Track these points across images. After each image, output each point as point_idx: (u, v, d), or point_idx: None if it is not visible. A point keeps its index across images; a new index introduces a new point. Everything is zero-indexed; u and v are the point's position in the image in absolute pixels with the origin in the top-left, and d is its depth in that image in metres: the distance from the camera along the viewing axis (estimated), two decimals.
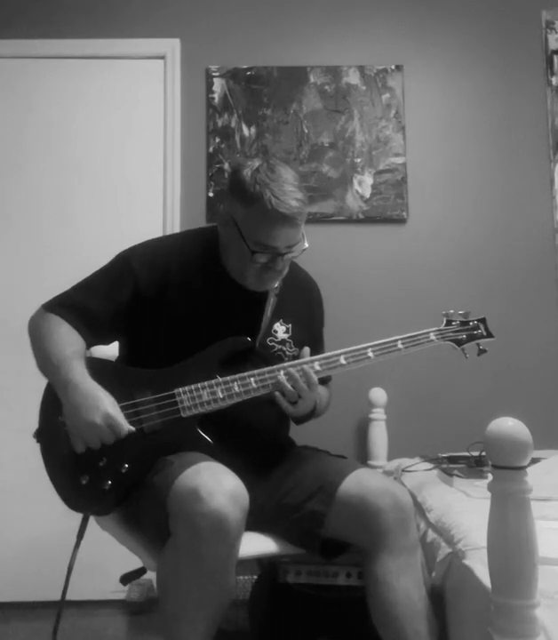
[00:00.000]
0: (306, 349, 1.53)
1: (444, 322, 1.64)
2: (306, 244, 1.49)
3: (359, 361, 1.50)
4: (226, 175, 2.63)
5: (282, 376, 1.44)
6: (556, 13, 2.87)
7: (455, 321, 1.65)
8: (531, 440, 1.03)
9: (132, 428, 1.37)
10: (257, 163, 1.46)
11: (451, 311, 1.66)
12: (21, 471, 2.37)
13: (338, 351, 1.50)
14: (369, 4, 2.86)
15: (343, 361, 1.50)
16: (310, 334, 1.66)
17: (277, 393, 1.45)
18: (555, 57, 2.85)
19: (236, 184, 1.46)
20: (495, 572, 1.06)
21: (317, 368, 1.48)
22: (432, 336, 1.60)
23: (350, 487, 1.42)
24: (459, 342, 1.63)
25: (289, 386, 1.43)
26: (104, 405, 1.35)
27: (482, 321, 1.68)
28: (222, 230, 1.52)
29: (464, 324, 1.65)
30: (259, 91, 2.78)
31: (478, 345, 1.65)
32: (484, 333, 1.66)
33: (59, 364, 1.40)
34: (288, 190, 1.41)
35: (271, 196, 1.40)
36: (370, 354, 1.51)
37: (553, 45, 2.85)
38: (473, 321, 1.67)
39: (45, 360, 1.43)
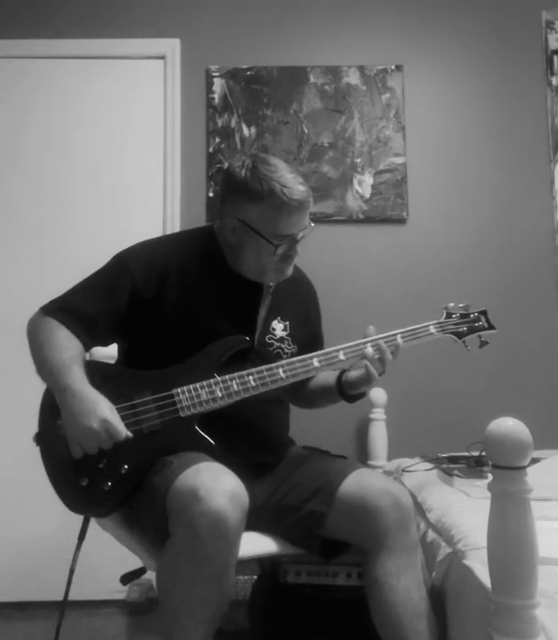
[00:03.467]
0: (372, 328, 1.54)
1: (444, 314, 1.63)
2: (313, 224, 1.51)
3: (358, 356, 1.50)
4: None
5: (369, 348, 1.48)
6: (556, 13, 2.87)
7: (455, 314, 1.63)
8: (531, 440, 1.03)
9: (130, 434, 1.37)
10: (248, 160, 1.46)
11: (451, 304, 1.65)
12: (22, 472, 2.37)
13: (337, 347, 1.51)
14: (369, 3, 2.86)
15: (342, 356, 1.50)
16: (308, 331, 1.67)
17: (368, 363, 1.48)
18: (555, 57, 2.85)
19: (238, 187, 1.45)
20: (495, 572, 1.06)
21: (316, 364, 1.48)
22: (432, 329, 1.59)
23: (350, 487, 1.42)
24: (460, 335, 1.62)
25: (376, 361, 1.48)
26: (102, 410, 1.34)
27: (483, 313, 1.66)
28: (230, 236, 1.50)
29: (464, 316, 1.64)
30: (259, 91, 2.78)
31: (480, 337, 1.63)
32: (485, 325, 1.64)
33: (57, 369, 1.39)
34: (291, 177, 1.43)
35: (281, 187, 1.41)
36: (369, 349, 1.51)
37: (553, 45, 2.85)
38: (473, 313, 1.65)
39: (44, 365, 1.43)
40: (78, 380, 1.38)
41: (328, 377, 1.63)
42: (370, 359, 1.48)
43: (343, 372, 1.58)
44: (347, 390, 1.57)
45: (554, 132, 2.82)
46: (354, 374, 1.55)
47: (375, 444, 2.51)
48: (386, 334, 1.53)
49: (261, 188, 1.41)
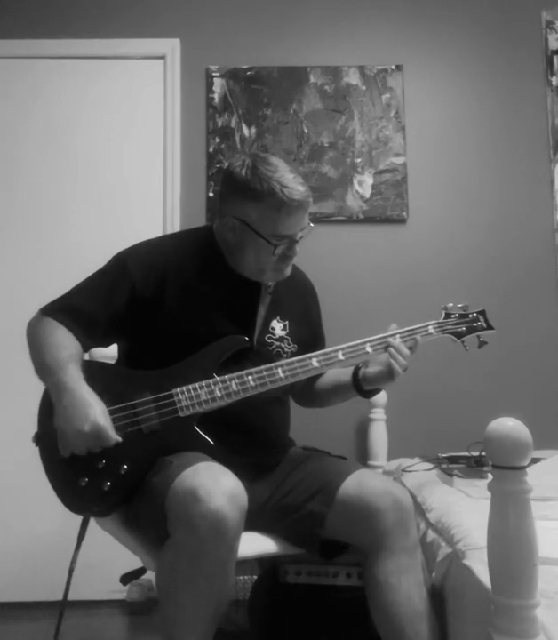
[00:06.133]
0: (394, 325, 1.56)
1: (443, 315, 1.63)
2: (312, 224, 1.51)
3: (357, 356, 1.51)
4: None
5: (391, 347, 1.50)
6: (556, 13, 2.87)
7: (454, 314, 1.64)
8: (531, 440, 1.03)
9: (119, 439, 1.36)
10: (249, 159, 1.46)
11: (450, 304, 1.65)
12: (22, 472, 2.36)
13: (336, 347, 1.51)
14: (369, 4, 2.86)
15: (341, 357, 1.50)
16: (308, 330, 1.67)
17: (392, 361, 1.49)
18: (555, 57, 2.85)
19: (238, 186, 1.45)
20: (495, 572, 1.05)
21: (315, 364, 1.48)
22: (430, 329, 1.59)
23: (350, 488, 1.42)
24: (459, 335, 1.62)
25: (400, 358, 1.49)
26: (93, 414, 1.34)
27: (482, 313, 1.67)
28: (230, 235, 1.50)
29: (463, 316, 1.64)
30: (258, 91, 2.78)
31: (478, 337, 1.64)
32: (484, 325, 1.65)
33: (54, 368, 1.39)
34: (291, 177, 1.43)
35: (281, 187, 1.41)
36: (368, 349, 1.51)
37: (553, 45, 2.85)
38: (472, 313, 1.65)
39: (41, 364, 1.43)
40: (74, 380, 1.37)
41: (340, 373, 1.64)
42: (394, 356, 1.49)
43: (358, 368, 1.59)
44: (365, 386, 1.58)
45: (554, 132, 2.82)
46: (372, 371, 1.56)
47: (375, 444, 2.51)
48: (384, 334, 1.53)
49: (261, 187, 1.41)
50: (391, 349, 1.50)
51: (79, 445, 1.35)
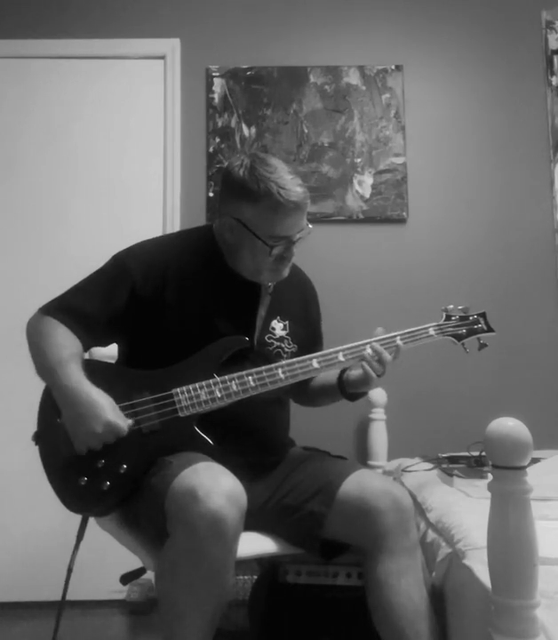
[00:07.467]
0: (380, 329, 1.55)
1: (443, 317, 1.63)
2: (310, 226, 1.51)
3: (357, 357, 1.51)
4: None
5: (368, 350, 1.48)
6: (556, 13, 2.87)
7: (454, 316, 1.64)
8: (531, 440, 1.03)
9: (131, 422, 1.38)
10: (247, 160, 1.46)
11: (451, 306, 1.65)
12: (22, 472, 2.37)
13: (337, 348, 1.51)
14: (369, 3, 2.86)
15: (341, 357, 1.50)
16: (308, 330, 1.67)
17: (365, 364, 1.48)
18: (555, 57, 2.85)
19: (236, 186, 1.45)
20: (495, 572, 1.05)
21: (315, 365, 1.48)
22: (431, 331, 1.60)
23: (350, 488, 1.41)
24: (459, 337, 1.62)
25: (375, 363, 1.48)
26: (104, 413, 1.35)
27: (482, 315, 1.67)
28: (228, 235, 1.51)
29: (463, 318, 1.65)
30: (259, 91, 2.78)
31: (479, 339, 1.64)
32: (485, 328, 1.65)
33: (55, 367, 1.39)
34: (289, 179, 1.43)
35: (278, 188, 1.40)
36: (369, 350, 1.51)
37: (553, 45, 2.85)
38: (472, 315, 1.66)
39: (42, 364, 1.43)
40: (76, 379, 1.38)
41: (329, 375, 1.64)
42: (369, 360, 1.48)
43: (344, 370, 1.59)
44: (348, 389, 1.58)
45: (554, 132, 2.82)
46: (354, 374, 1.56)
47: (375, 444, 2.51)
48: (386, 336, 1.53)
49: (258, 188, 1.41)
50: (366, 354, 1.49)
51: (94, 444, 1.36)
